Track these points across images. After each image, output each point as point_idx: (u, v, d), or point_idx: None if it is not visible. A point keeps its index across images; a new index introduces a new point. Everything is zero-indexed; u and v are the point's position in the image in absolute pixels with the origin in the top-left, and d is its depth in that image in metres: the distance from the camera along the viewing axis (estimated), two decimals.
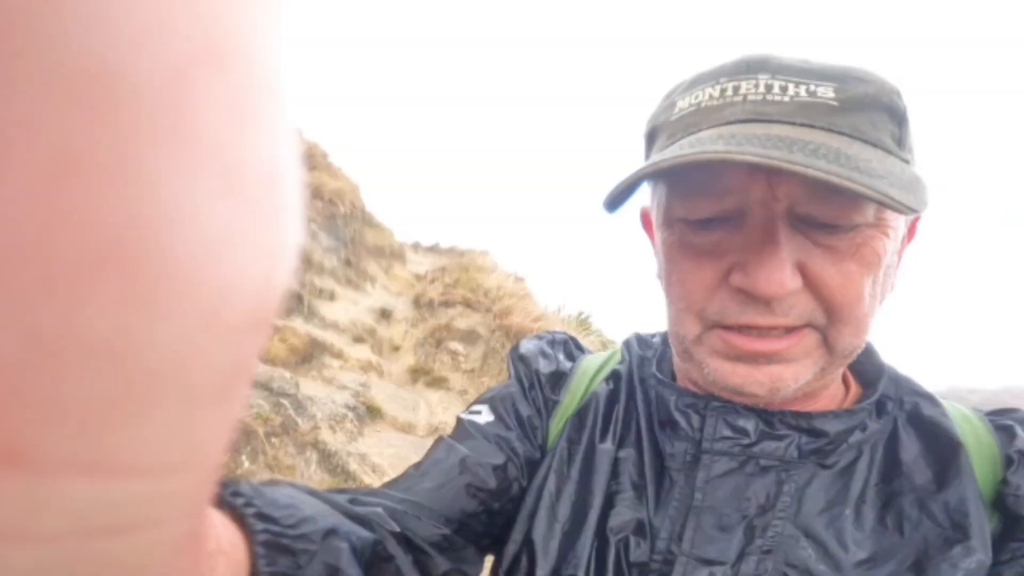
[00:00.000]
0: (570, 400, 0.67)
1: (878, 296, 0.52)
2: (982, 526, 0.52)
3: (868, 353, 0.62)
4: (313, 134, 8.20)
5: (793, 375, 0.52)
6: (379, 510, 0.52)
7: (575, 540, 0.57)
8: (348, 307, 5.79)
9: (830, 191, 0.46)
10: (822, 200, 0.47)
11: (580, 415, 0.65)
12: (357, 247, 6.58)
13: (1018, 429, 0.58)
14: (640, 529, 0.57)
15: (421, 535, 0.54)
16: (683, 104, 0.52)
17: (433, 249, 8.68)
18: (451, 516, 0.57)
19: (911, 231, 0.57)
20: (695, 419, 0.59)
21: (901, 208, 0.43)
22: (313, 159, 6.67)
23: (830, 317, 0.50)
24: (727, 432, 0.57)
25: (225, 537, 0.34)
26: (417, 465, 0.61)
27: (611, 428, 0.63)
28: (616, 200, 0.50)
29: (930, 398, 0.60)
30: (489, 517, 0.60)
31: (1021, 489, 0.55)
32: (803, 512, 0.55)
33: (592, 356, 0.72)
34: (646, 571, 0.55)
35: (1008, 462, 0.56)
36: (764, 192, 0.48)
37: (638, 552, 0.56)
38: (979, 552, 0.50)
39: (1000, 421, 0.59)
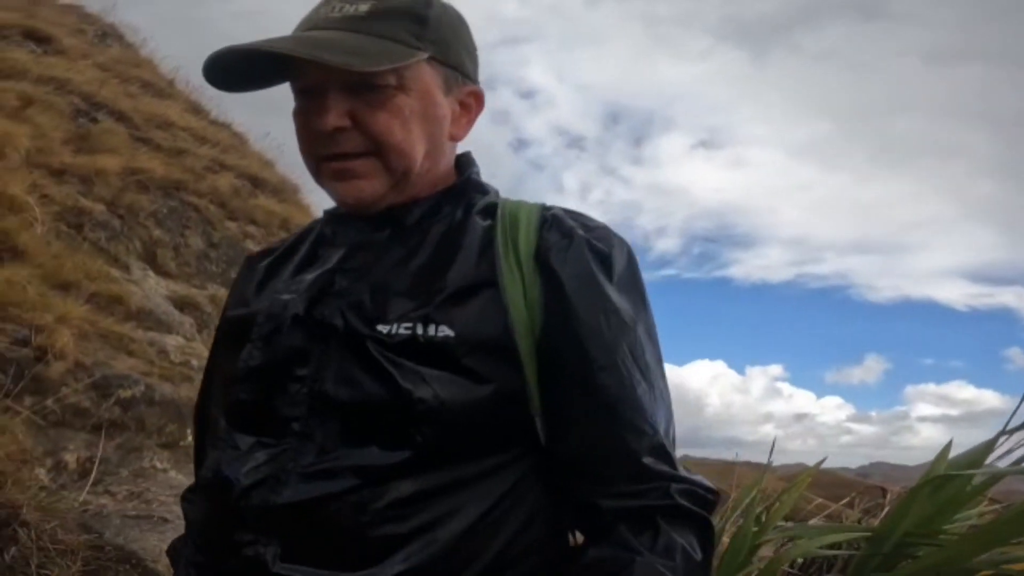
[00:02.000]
0: (269, 256, 0.90)
1: (415, 135, 0.74)
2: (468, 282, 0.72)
3: (463, 171, 0.84)
4: None
5: (370, 187, 0.74)
6: None
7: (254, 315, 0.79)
8: None
9: (354, 68, 0.69)
10: (356, 74, 0.70)
11: (269, 260, 0.89)
12: None
13: (556, 208, 0.80)
14: (263, 299, 0.80)
15: None
16: (312, 9, 0.78)
17: None
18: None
19: (478, 102, 0.82)
20: (337, 227, 0.82)
21: (354, 67, 0.68)
22: None
23: (377, 146, 0.73)
24: (349, 231, 0.80)
25: None
26: None
27: (278, 254, 0.88)
28: (229, 76, 0.77)
29: (487, 192, 0.83)
30: None
31: (549, 242, 0.74)
32: (378, 273, 0.75)
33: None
34: (252, 321, 0.77)
35: (541, 224, 0.76)
36: (317, 71, 0.72)
37: (261, 304, 0.79)
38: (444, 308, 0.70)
39: (544, 204, 0.81)
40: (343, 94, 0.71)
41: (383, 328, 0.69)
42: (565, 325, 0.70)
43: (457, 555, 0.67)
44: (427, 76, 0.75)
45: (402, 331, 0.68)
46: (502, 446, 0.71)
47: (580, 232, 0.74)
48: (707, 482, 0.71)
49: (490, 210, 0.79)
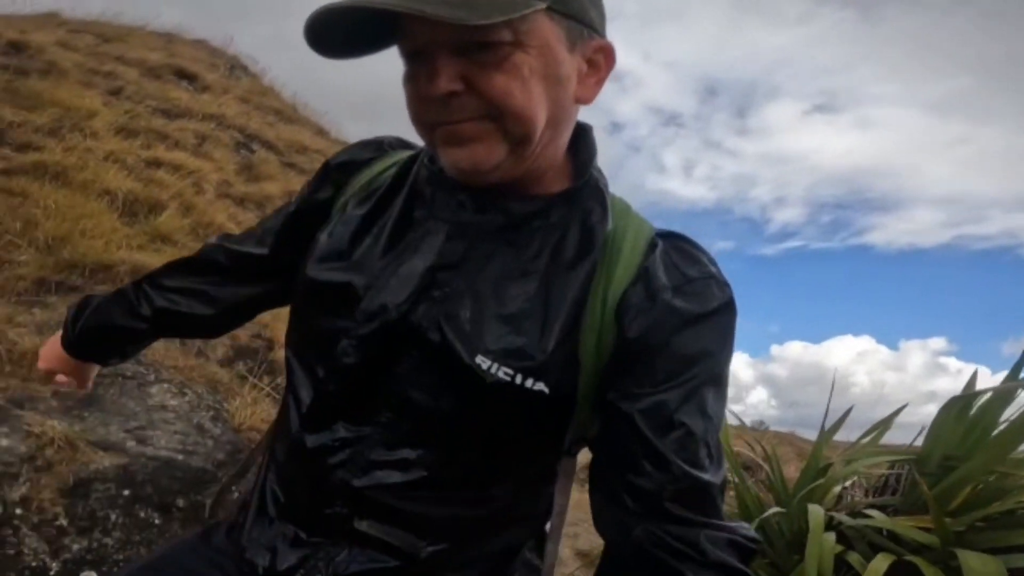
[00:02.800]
0: (357, 182, 0.83)
1: (536, 98, 0.66)
2: (556, 329, 0.68)
3: (580, 157, 0.75)
4: None
5: (486, 153, 0.67)
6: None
7: (324, 272, 0.77)
8: None
9: (461, 21, 0.60)
10: (466, 31, 0.62)
11: (364, 195, 0.81)
12: None
13: (661, 245, 0.72)
14: (359, 267, 0.75)
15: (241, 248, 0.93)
16: None
17: None
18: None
19: (607, 60, 0.72)
20: (437, 192, 0.75)
21: (461, 20, 0.59)
22: None
23: (493, 110, 0.65)
24: (451, 203, 0.73)
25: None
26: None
27: (375, 200, 0.80)
28: (330, 40, 0.67)
29: (604, 208, 0.74)
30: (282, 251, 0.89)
31: (631, 302, 0.68)
32: (479, 277, 0.70)
33: (395, 152, 0.85)
34: (350, 297, 0.74)
35: (636, 275, 0.69)
36: (424, 31, 0.64)
37: (357, 283, 0.75)
38: (535, 353, 0.68)
39: (657, 237, 0.73)
40: (454, 55, 0.65)
41: (482, 363, 0.68)
42: (624, 384, 0.68)
43: (499, 543, 0.79)
44: (547, 29, 0.66)
45: (501, 376, 0.67)
46: (559, 456, 0.75)
47: (666, 295, 0.68)
48: (748, 530, 0.68)
49: (590, 235, 0.72)
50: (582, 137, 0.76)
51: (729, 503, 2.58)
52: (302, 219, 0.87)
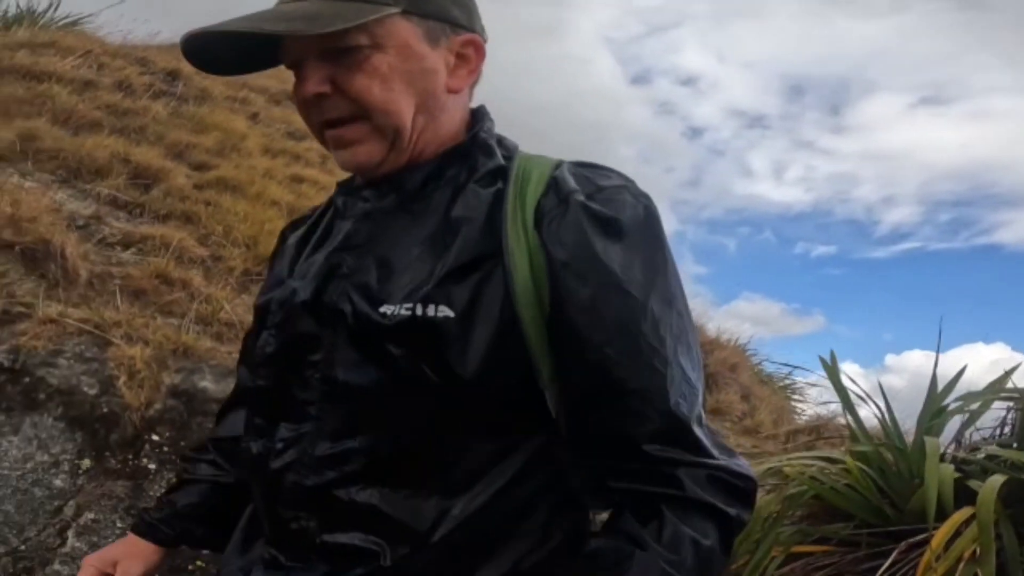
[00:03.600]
0: (301, 228, 0.89)
1: (399, 93, 0.71)
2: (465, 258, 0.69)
3: (472, 129, 0.79)
4: None
5: (366, 152, 0.73)
6: None
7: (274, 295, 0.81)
8: None
9: (299, 32, 0.69)
10: (327, 39, 0.69)
11: (302, 230, 0.88)
12: None
13: (566, 164, 0.75)
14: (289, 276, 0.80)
15: None
16: None
17: None
18: None
19: (477, 52, 0.77)
20: (347, 199, 0.80)
21: (299, 31, 0.69)
22: None
23: (362, 109, 0.71)
24: (357, 202, 0.78)
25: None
26: None
27: (307, 226, 0.87)
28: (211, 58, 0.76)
29: (492, 152, 0.77)
30: None
31: (544, 209, 0.70)
32: (383, 247, 0.73)
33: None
34: (276, 297, 0.78)
35: (546, 188, 0.71)
36: (294, 45, 0.72)
37: (281, 289, 0.79)
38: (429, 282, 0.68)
39: (563, 161, 0.76)
40: (320, 62, 0.71)
41: (386, 309, 0.68)
42: (565, 302, 0.67)
43: (469, 532, 0.68)
44: (403, 30, 0.72)
45: (402, 312, 0.67)
46: (514, 422, 0.71)
47: (578, 197, 0.69)
48: (739, 466, 0.67)
49: (500, 172, 0.75)
50: (475, 113, 0.82)
51: (839, 433, 2.77)
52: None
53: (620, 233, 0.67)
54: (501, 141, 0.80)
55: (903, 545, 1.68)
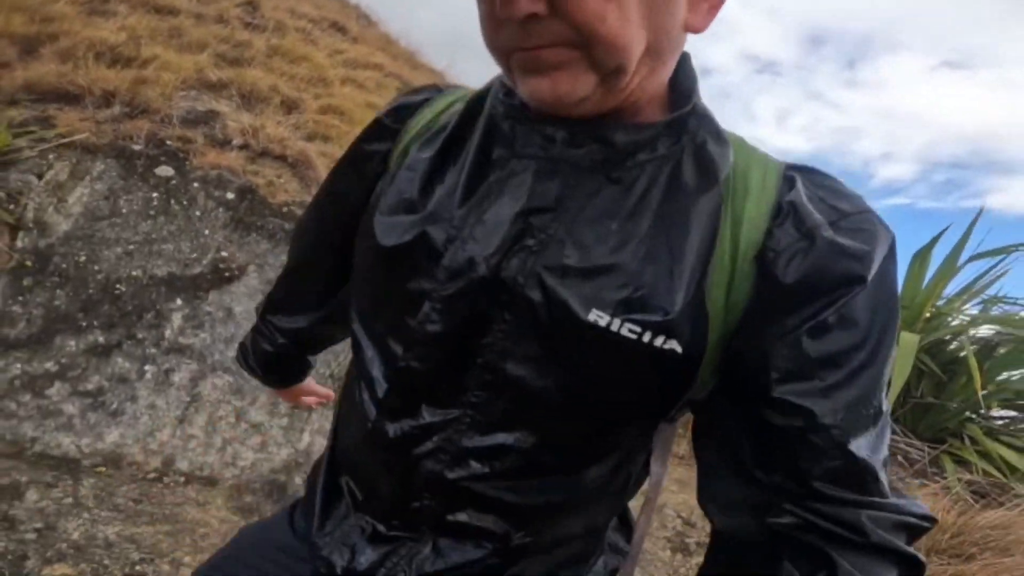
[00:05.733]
0: (415, 125, 0.74)
1: (634, 24, 0.55)
2: (684, 279, 0.58)
3: (680, 86, 0.64)
4: None
5: (569, 84, 0.56)
6: None
7: (392, 229, 0.67)
8: None
9: None
10: None
11: (427, 137, 0.72)
12: None
13: (800, 179, 0.61)
14: (434, 217, 0.64)
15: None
16: None
17: None
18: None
19: None
20: (517, 127, 0.64)
21: None
22: None
23: (583, 36, 0.54)
24: (536, 139, 0.62)
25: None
26: None
27: (442, 140, 0.69)
28: None
29: (720, 138, 0.62)
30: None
31: (780, 244, 0.57)
32: (580, 219, 0.60)
33: (453, 91, 0.77)
34: (429, 253, 0.64)
35: (776, 212, 0.59)
36: None
37: (436, 235, 0.64)
38: (657, 313, 0.57)
39: (790, 171, 0.62)
40: None
41: (599, 319, 0.57)
42: (760, 330, 0.58)
43: (587, 506, 0.69)
44: None
45: (626, 333, 0.57)
46: (644, 424, 0.66)
47: (826, 232, 0.57)
48: (922, 508, 0.59)
49: (711, 167, 0.61)
50: (681, 65, 0.65)
51: None
52: (350, 180, 0.79)
53: (868, 271, 0.57)
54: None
55: None
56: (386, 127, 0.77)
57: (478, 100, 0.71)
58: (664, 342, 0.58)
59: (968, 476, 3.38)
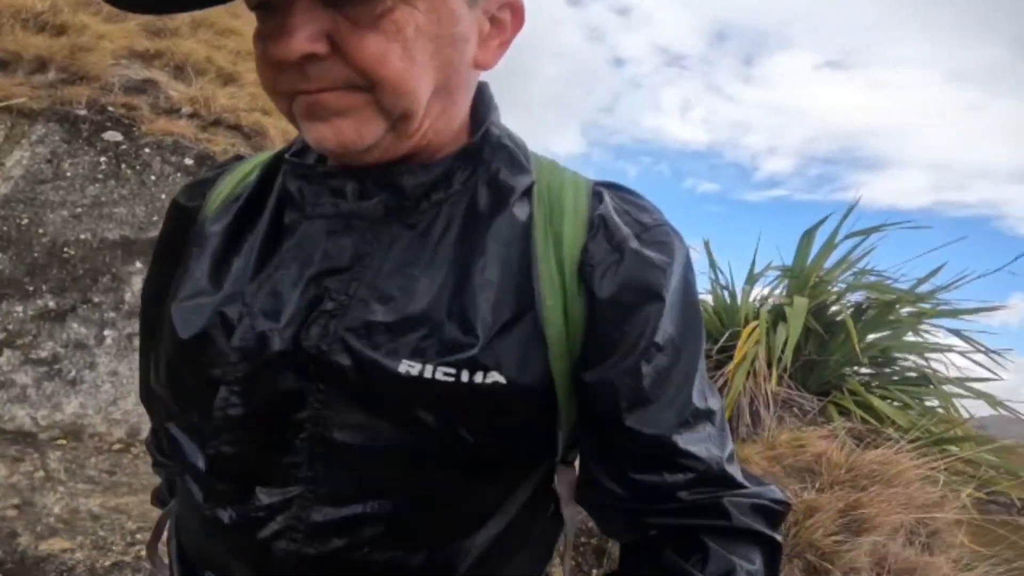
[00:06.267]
0: (213, 200, 0.69)
1: (421, 65, 0.53)
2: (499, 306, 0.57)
3: (477, 118, 0.63)
4: None
5: (355, 129, 0.53)
6: None
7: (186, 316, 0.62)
8: None
9: None
10: None
11: (222, 209, 0.67)
12: None
13: (607, 194, 0.62)
14: (231, 298, 0.60)
15: None
16: None
17: None
18: None
19: (515, 17, 0.60)
20: (305, 187, 0.60)
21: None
22: None
23: (366, 79, 0.52)
24: (326, 196, 0.59)
25: None
26: None
27: (235, 210, 0.65)
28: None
29: (515, 163, 0.62)
30: None
31: (595, 258, 0.58)
32: (380, 273, 0.57)
33: (252, 158, 0.72)
34: (221, 335, 0.59)
35: (590, 226, 0.59)
36: None
37: (231, 315, 0.60)
38: (475, 348, 0.56)
39: (598, 187, 0.63)
40: (317, 6, 0.50)
41: (410, 369, 0.55)
42: (602, 360, 0.59)
43: (485, 563, 0.64)
44: None
45: (440, 377, 0.55)
46: (528, 459, 0.64)
47: (632, 244, 0.59)
48: (776, 492, 0.64)
49: (506, 191, 0.61)
50: (478, 96, 0.64)
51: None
52: (164, 276, 0.70)
53: (666, 288, 0.59)
54: (511, 137, 0.65)
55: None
56: (182, 208, 0.73)
57: (274, 162, 0.68)
58: (484, 377, 0.56)
59: (849, 424, 3.93)
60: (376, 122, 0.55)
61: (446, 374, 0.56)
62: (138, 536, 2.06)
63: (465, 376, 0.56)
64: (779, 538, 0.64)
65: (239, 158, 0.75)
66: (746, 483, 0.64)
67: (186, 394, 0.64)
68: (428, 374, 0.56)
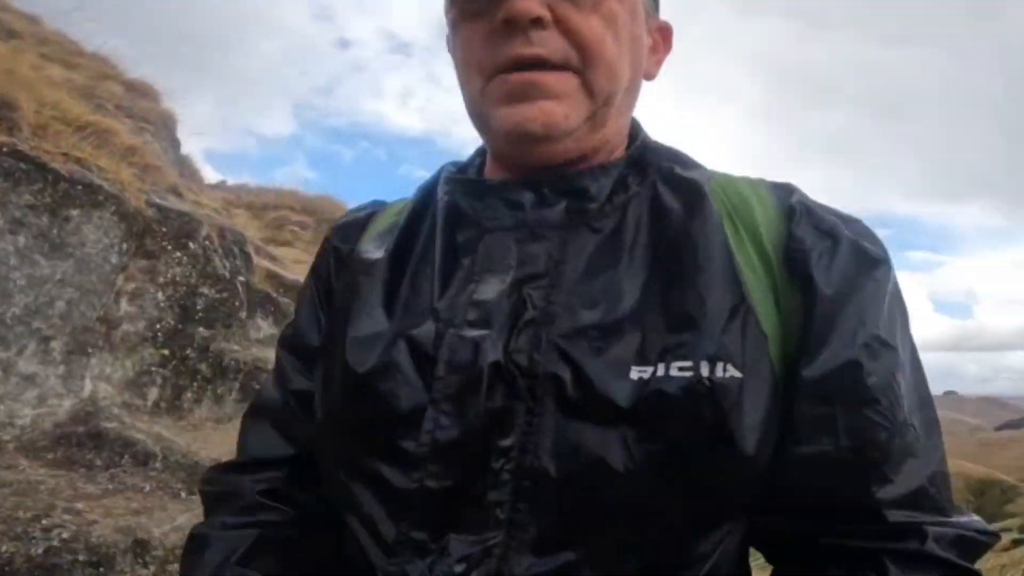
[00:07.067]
0: (368, 238, 0.69)
1: (624, 54, 0.58)
2: (722, 286, 0.54)
3: (633, 127, 0.66)
4: None
5: (563, 112, 0.55)
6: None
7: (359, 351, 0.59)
8: None
9: None
10: None
11: (380, 239, 0.68)
12: None
13: (793, 184, 0.62)
14: (412, 322, 0.58)
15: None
16: None
17: None
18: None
19: (665, 41, 0.66)
20: (476, 203, 0.60)
21: None
22: None
23: (582, 59, 0.55)
24: (502, 208, 0.59)
25: None
26: None
27: (395, 239, 0.65)
28: None
29: (687, 162, 0.63)
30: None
31: (805, 243, 0.56)
32: (579, 278, 0.56)
33: (398, 201, 0.73)
34: (425, 356, 0.56)
35: (789, 213, 0.58)
36: None
37: (422, 338, 0.57)
38: (705, 340, 0.52)
39: (774, 181, 0.63)
40: None
41: (644, 372, 0.51)
42: (819, 353, 0.53)
43: None
44: None
45: (676, 373, 0.50)
46: (740, 514, 0.56)
47: (846, 232, 0.57)
48: (981, 523, 0.56)
49: (694, 190, 0.60)
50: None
51: None
52: (314, 313, 0.72)
53: (884, 282, 0.56)
54: (662, 143, 0.67)
55: None
56: (336, 248, 0.72)
57: (426, 191, 0.69)
58: (724, 369, 0.51)
59: None
60: (584, 106, 0.57)
61: (682, 369, 0.51)
62: None
63: (705, 369, 0.51)
64: (975, 567, 0.55)
65: (382, 203, 0.76)
66: (952, 513, 0.56)
67: (367, 431, 0.58)
68: (661, 372, 0.51)
